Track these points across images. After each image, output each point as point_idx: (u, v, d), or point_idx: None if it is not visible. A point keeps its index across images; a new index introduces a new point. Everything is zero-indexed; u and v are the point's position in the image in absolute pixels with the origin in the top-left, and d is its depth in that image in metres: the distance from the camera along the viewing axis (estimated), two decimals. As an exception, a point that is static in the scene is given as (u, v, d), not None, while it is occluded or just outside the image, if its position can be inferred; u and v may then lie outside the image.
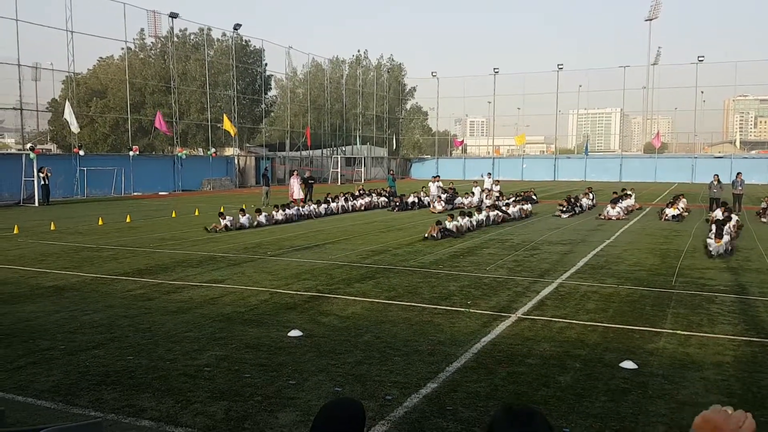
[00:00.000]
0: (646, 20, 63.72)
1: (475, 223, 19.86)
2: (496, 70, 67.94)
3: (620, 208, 24.15)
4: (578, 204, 26.57)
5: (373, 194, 30.29)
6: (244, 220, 19.95)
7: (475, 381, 6.30)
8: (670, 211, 23.27)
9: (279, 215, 21.79)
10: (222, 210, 21.71)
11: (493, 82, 68.41)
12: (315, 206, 24.72)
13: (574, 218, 23.89)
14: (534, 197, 31.24)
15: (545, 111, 70.11)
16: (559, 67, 65.19)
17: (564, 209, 24.81)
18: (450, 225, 18.10)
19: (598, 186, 33.65)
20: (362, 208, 27.58)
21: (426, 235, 17.47)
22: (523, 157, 70.40)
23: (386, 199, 29.96)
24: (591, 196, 29.18)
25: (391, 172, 41.09)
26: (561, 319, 8.74)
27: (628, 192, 28.99)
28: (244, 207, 22.72)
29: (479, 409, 5.59)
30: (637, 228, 20.76)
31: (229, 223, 19.24)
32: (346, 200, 27.37)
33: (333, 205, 25.81)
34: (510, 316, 8.87)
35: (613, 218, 23.25)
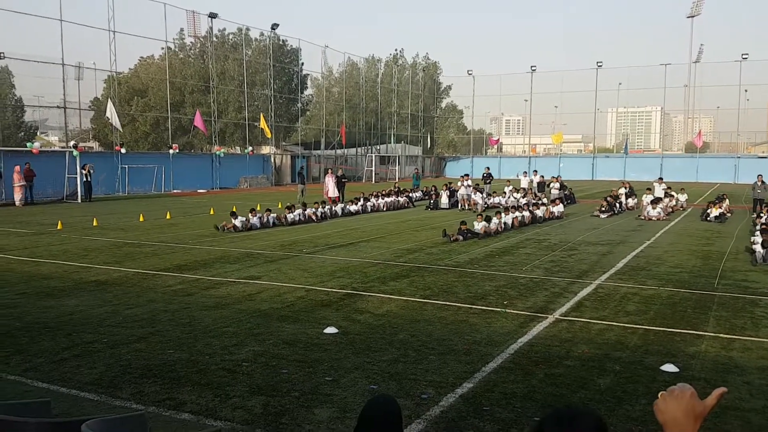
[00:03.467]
0: (688, 17, 62.24)
1: (504, 223, 19.44)
2: (533, 68, 67.16)
3: (660, 208, 23.67)
4: (618, 201, 26.10)
5: (403, 194, 29.98)
6: (254, 220, 19.65)
7: (511, 381, 6.26)
8: (713, 212, 22.74)
9: (290, 216, 21.03)
10: (258, 207, 21.81)
11: (530, 80, 67.64)
12: (331, 206, 24.21)
13: (613, 218, 23.52)
14: (571, 193, 30.91)
15: (583, 109, 68.99)
16: (599, 64, 64.08)
17: (603, 209, 24.42)
18: (478, 226, 17.84)
19: (638, 186, 33.03)
20: (384, 208, 26.66)
21: (449, 237, 16.82)
22: (561, 155, 69.42)
23: (407, 199, 29.56)
24: (626, 191, 28.54)
25: (416, 170, 40.69)
26: (600, 321, 8.61)
27: (673, 192, 28.23)
28: (254, 207, 22.18)
29: (516, 410, 5.55)
30: (679, 229, 20.33)
31: (239, 224, 18.91)
32: (372, 197, 27.01)
33: (352, 207, 25.00)
34: (547, 317, 8.78)
35: (654, 219, 22.81)
